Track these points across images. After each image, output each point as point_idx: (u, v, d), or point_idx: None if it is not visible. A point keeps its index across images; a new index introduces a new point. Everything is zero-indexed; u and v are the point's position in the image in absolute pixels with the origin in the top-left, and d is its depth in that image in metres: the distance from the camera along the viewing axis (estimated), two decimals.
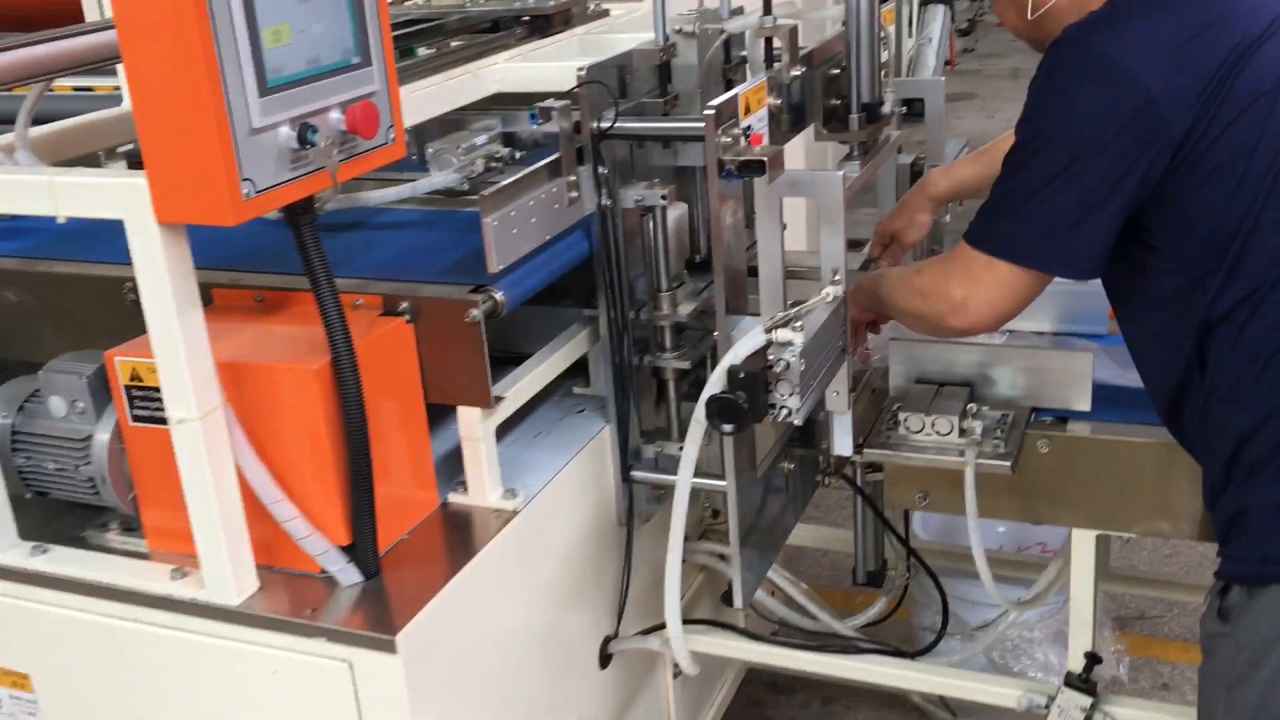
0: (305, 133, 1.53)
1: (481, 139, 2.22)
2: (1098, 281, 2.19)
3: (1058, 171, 1.59)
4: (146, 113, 1.45)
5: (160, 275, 1.53)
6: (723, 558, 2.46)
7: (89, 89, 4.14)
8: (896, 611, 2.65)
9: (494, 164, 2.22)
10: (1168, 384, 1.72)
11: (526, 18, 2.65)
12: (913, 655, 2.38)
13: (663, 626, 2.31)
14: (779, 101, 2.02)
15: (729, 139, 1.75)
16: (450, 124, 2.31)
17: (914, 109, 2.56)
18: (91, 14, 3.43)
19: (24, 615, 1.87)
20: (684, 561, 2.31)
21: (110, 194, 1.54)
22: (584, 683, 2.20)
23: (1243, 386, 1.58)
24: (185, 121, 1.43)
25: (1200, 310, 1.59)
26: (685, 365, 2.16)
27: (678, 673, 2.51)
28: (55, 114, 2.47)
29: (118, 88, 4.15)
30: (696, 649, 2.23)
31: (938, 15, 8.82)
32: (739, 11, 2.28)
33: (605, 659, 2.25)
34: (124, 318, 1.99)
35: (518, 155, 2.27)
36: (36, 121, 2.11)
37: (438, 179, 2.14)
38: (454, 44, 2.53)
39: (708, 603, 2.62)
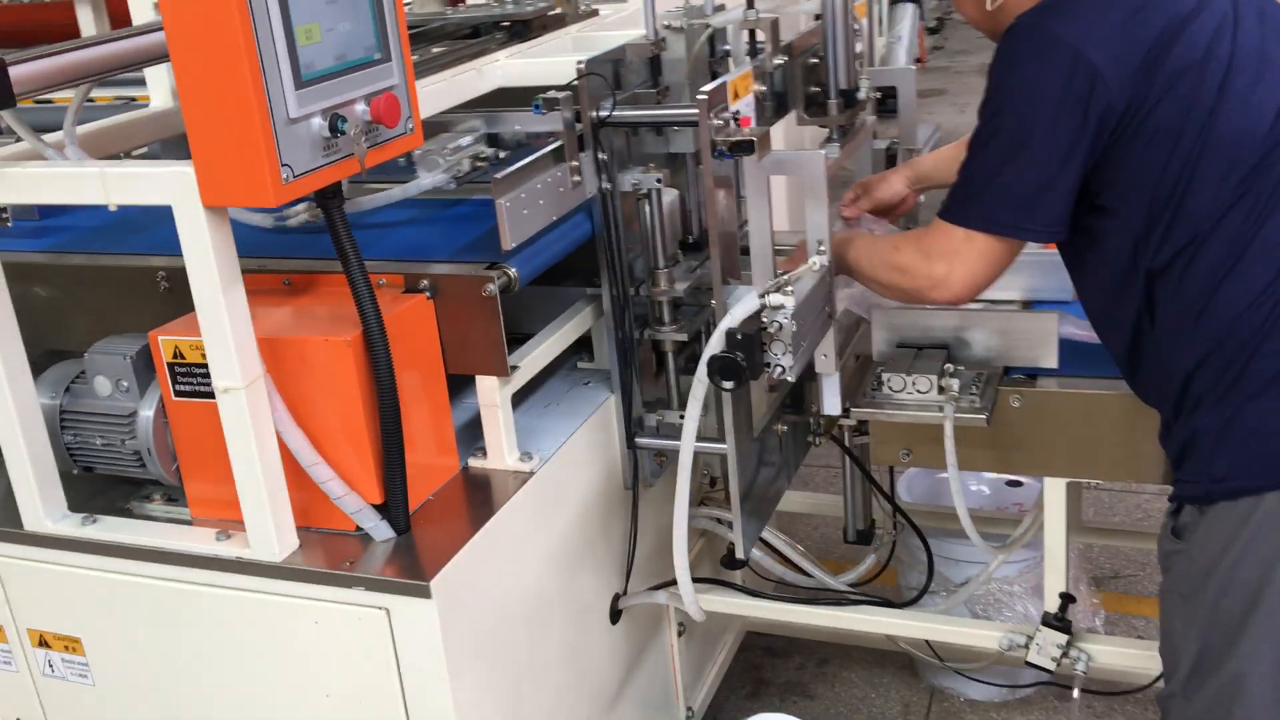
0: (336, 122, 1.68)
1: (467, 140, 2.27)
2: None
3: (1019, 145, 1.75)
4: (194, 107, 1.59)
5: (207, 255, 1.67)
6: (720, 521, 2.61)
7: (92, 100, 4.26)
8: (884, 573, 2.80)
9: (480, 164, 2.27)
10: (1122, 337, 1.88)
11: (507, 23, 2.70)
12: (901, 606, 2.55)
13: (668, 584, 2.48)
14: (764, 89, 2.18)
15: (720, 122, 1.90)
16: (435, 126, 2.42)
17: (887, 106, 2.72)
18: (87, 31, 3.55)
19: (76, 581, 2.01)
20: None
21: (160, 182, 1.68)
22: (597, 637, 2.35)
23: (1185, 329, 1.74)
24: (230, 113, 1.57)
25: (1145, 263, 1.75)
26: (683, 338, 2.32)
27: (682, 631, 2.67)
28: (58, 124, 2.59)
29: (119, 98, 4.29)
30: (700, 606, 2.38)
31: (907, 13, 9.01)
32: (720, 8, 2.45)
33: (615, 615, 2.40)
34: (153, 305, 2.15)
35: (502, 155, 2.32)
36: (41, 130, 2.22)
37: (426, 180, 2.18)
38: (435, 50, 2.62)
39: (708, 566, 2.78)
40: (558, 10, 2.83)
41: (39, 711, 2.18)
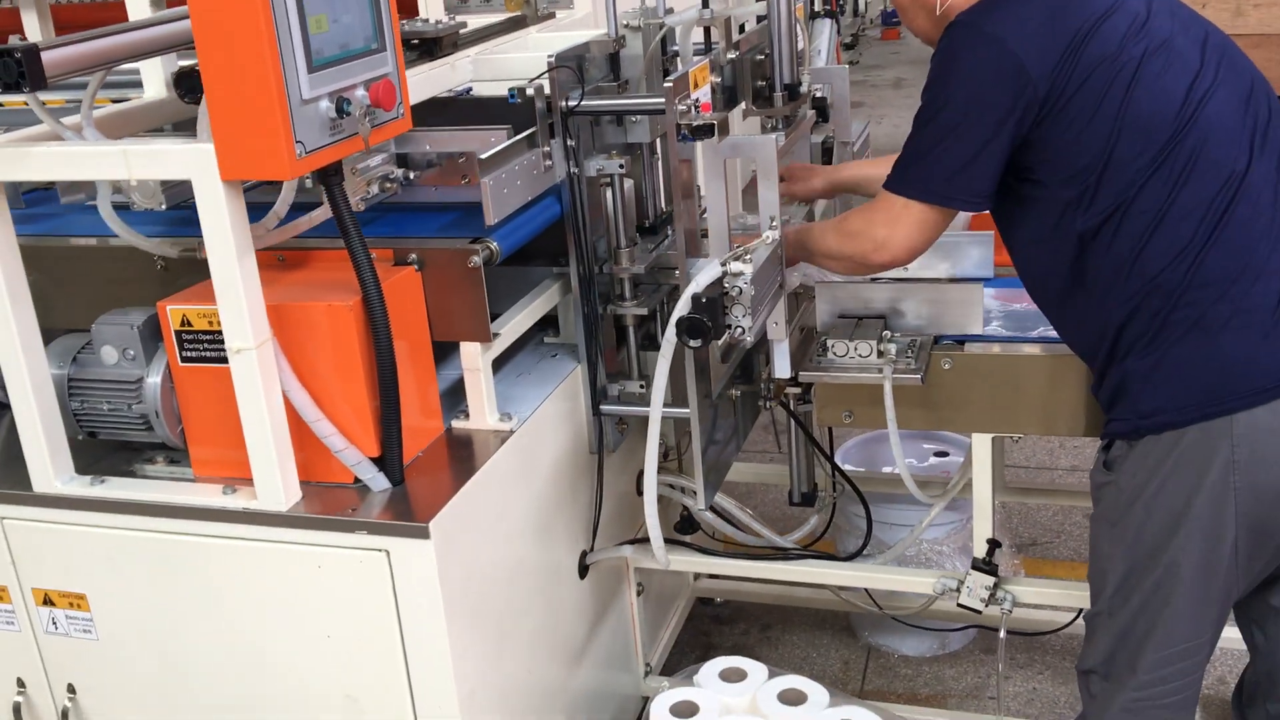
0: (341, 104, 1.86)
1: (375, 160, 2.20)
2: (987, 234, 2.62)
3: (954, 125, 1.99)
4: (217, 88, 1.75)
5: (224, 225, 1.83)
6: (673, 487, 2.80)
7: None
8: (823, 540, 3.03)
9: (389, 185, 2.22)
10: (1058, 297, 2.11)
11: (415, 40, 2.65)
12: (843, 559, 2.77)
13: (629, 542, 2.67)
14: (717, 80, 2.39)
15: (684, 108, 2.11)
16: None
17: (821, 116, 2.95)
18: (33, 37, 3.63)
19: (84, 540, 2.14)
20: (640, 494, 2.66)
21: (180, 158, 1.84)
22: (567, 591, 2.54)
23: (1116, 285, 1.98)
24: (251, 93, 1.74)
25: (1077, 228, 1.99)
26: (643, 312, 2.52)
27: (641, 591, 2.87)
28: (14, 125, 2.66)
29: (70, 101, 4.36)
30: (658, 565, 2.58)
31: (825, 28, 9.35)
32: (670, 11, 2.66)
33: (583, 570, 2.58)
34: (142, 284, 2.29)
35: (412, 175, 2.28)
36: None
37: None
38: None
39: (663, 531, 2.97)
40: (469, 27, 2.82)
41: (40, 669, 2.29)
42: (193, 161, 1.82)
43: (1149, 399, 1.98)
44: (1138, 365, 1.99)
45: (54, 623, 2.24)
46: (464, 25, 2.80)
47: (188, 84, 2.09)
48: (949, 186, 2.02)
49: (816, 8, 9.28)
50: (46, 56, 1.78)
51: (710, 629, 3.52)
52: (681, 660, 3.30)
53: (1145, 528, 2.01)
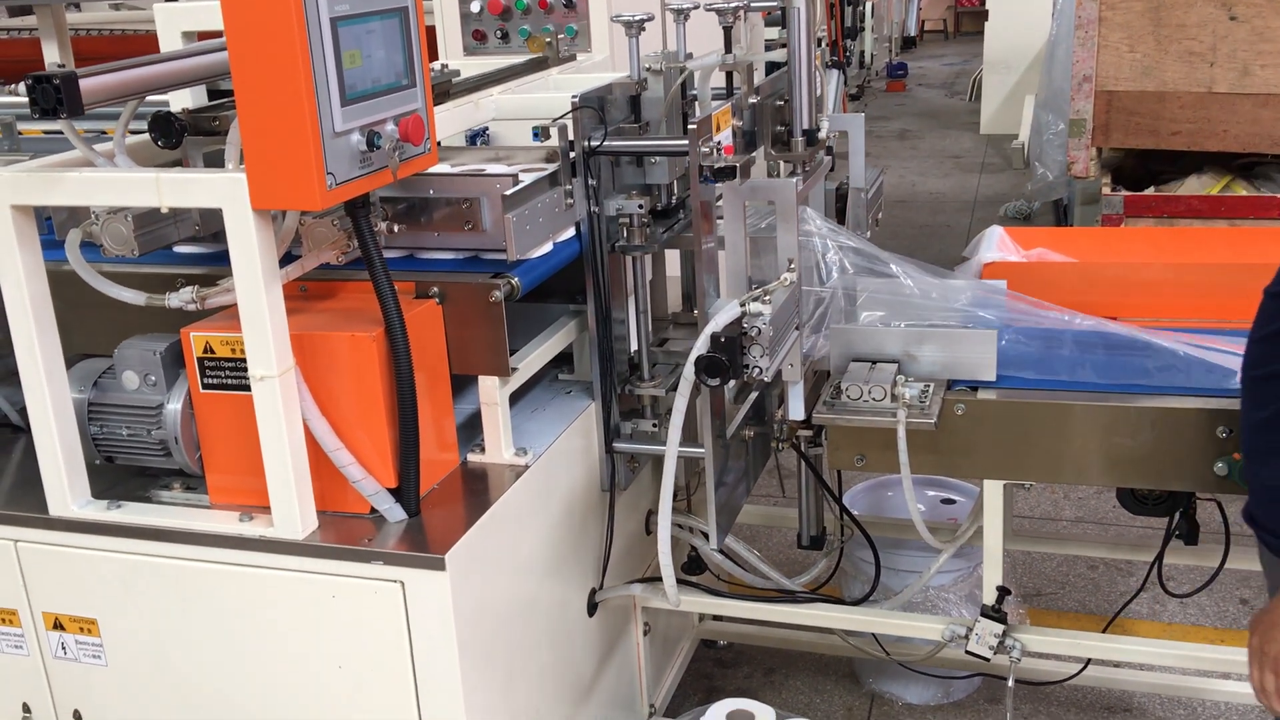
0: (372, 138, 1.88)
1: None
2: (1000, 283, 2.61)
3: None
4: (252, 118, 1.78)
5: (253, 252, 1.85)
6: (682, 526, 2.81)
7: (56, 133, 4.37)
8: (830, 585, 3.03)
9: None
10: None
11: None
12: (851, 603, 2.77)
13: (638, 581, 2.68)
14: (738, 124, 2.42)
15: (706, 150, 2.14)
16: None
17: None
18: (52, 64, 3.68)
19: (98, 564, 2.14)
20: (649, 533, 2.67)
21: (212, 187, 1.86)
22: (576, 627, 2.53)
23: None
24: (285, 125, 1.76)
25: None
26: None
27: (647, 630, 2.86)
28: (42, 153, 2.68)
29: (91, 131, 4.41)
30: (667, 605, 2.57)
31: (831, 79, 9.49)
32: (690, 55, 2.70)
33: (592, 608, 2.58)
34: (170, 311, 2.30)
35: (396, 229, 2.17)
36: None
37: (311, 260, 2.11)
38: None
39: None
40: (491, 69, 2.78)
41: (46, 694, 2.29)
42: (224, 190, 1.84)
43: None
44: None
45: (63, 647, 2.23)
46: (457, 74, 2.74)
47: (163, 128, 2.16)
48: None
49: (824, 58, 9.44)
50: (84, 84, 1.82)
51: (713, 672, 3.51)
52: (684, 703, 3.29)
53: None
